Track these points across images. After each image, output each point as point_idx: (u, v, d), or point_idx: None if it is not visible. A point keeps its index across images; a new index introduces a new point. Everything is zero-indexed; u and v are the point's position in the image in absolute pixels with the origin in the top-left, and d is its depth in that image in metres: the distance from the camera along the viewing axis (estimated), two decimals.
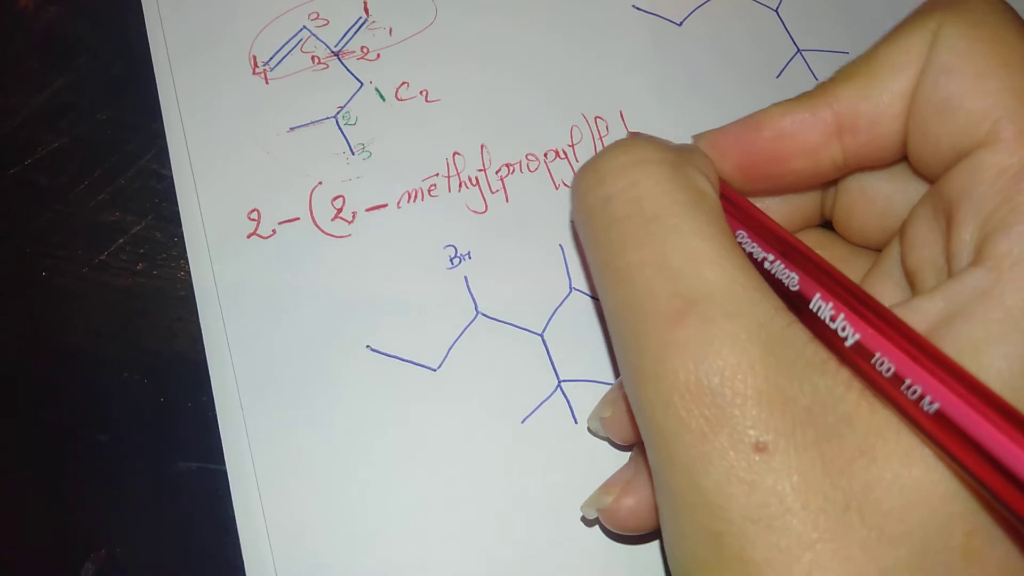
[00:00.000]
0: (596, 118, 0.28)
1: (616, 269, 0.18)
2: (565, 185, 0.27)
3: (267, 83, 0.27)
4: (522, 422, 0.24)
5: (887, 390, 0.15)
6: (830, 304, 0.17)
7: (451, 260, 0.26)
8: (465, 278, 0.26)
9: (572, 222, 0.25)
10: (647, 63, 0.29)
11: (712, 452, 0.16)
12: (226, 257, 0.25)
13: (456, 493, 0.24)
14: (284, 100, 0.27)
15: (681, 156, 0.19)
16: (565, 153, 0.28)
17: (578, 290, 0.26)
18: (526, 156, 0.27)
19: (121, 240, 0.26)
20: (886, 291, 0.20)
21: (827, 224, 0.23)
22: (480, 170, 0.27)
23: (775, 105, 0.20)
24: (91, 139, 0.27)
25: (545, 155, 0.28)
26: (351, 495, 0.23)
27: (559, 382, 0.25)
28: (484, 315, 0.25)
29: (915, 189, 0.20)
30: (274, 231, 0.25)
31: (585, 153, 0.28)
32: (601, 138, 0.28)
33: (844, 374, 0.16)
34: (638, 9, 0.30)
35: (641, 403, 0.17)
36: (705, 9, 0.30)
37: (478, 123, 0.28)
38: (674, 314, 0.17)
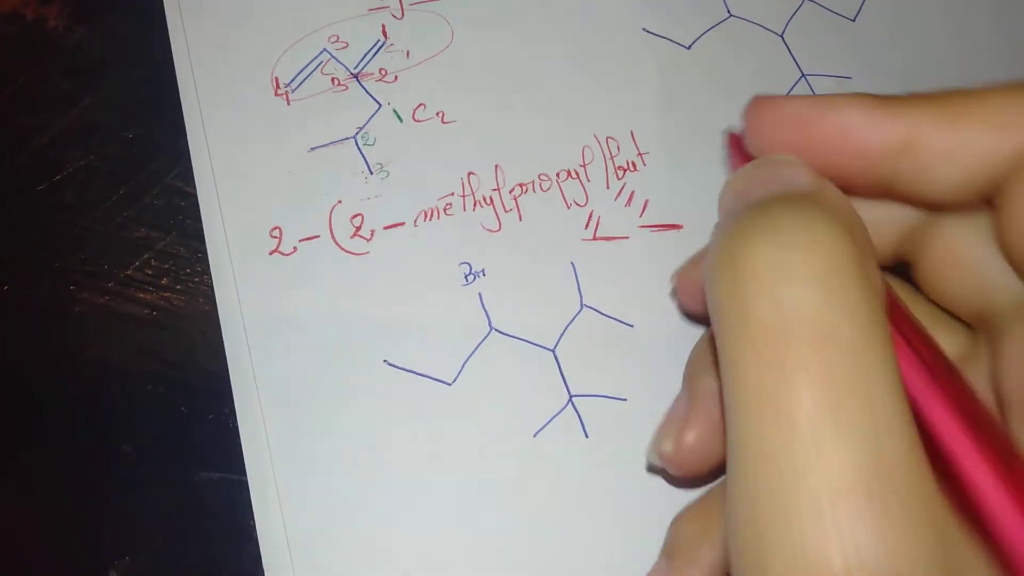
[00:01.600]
0: (607, 139, 0.29)
1: (776, 406, 0.14)
2: (577, 204, 0.28)
3: (289, 104, 0.28)
4: (534, 436, 0.25)
5: None
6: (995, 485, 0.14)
7: (466, 277, 0.27)
8: (479, 295, 0.26)
9: (705, 279, 0.17)
10: (657, 85, 0.30)
11: None
12: (248, 273, 0.26)
13: (470, 505, 0.24)
14: (305, 121, 0.28)
15: (862, 247, 0.15)
16: (577, 173, 0.28)
17: (589, 307, 0.27)
18: (539, 176, 0.28)
19: (146, 256, 0.27)
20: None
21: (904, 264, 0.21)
22: (494, 190, 0.28)
23: (853, 95, 0.18)
24: (118, 157, 0.27)
25: (557, 175, 0.28)
26: (368, 506, 0.24)
27: (570, 397, 0.26)
28: (498, 331, 0.26)
29: (1013, 270, 0.18)
30: (295, 248, 0.26)
31: (597, 173, 0.28)
32: (612, 158, 0.29)
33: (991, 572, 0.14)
34: (648, 32, 0.31)
35: (764, 572, 0.14)
36: (713, 33, 0.31)
37: (492, 144, 0.28)
38: (841, 489, 0.13)
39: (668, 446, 0.21)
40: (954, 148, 0.17)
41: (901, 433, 0.14)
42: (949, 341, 0.19)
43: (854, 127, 0.18)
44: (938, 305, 0.20)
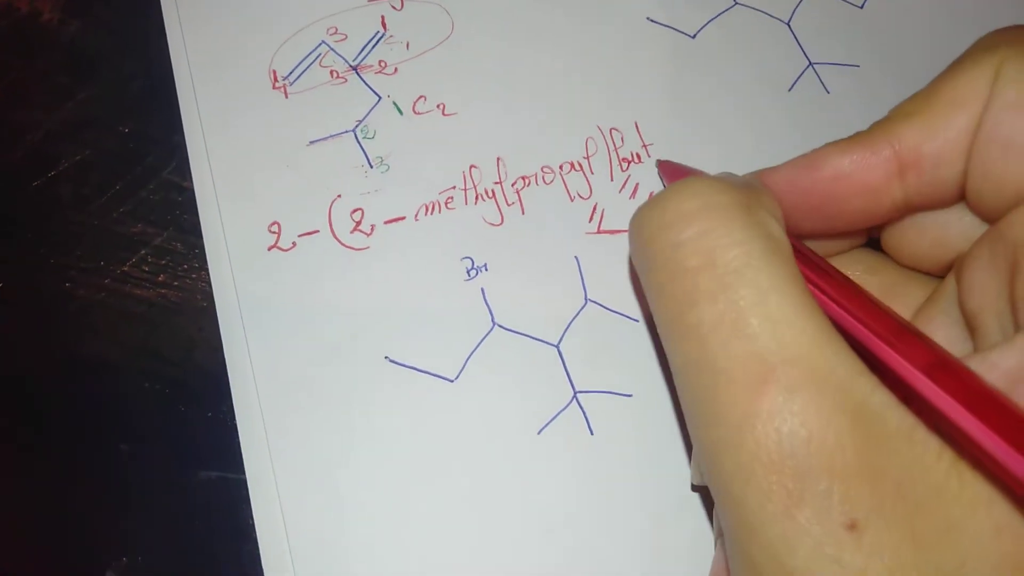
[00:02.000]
0: (611, 130, 0.28)
1: (686, 325, 0.17)
2: (580, 197, 0.27)
3: (287, 97, 0.27)
4: (538, 433, 0.25)
5: (976, 456, 0.15)
6: (912, 367, 0.16)
7: (468, 272, 0.26)
8: (482, 290, 0.26)
9: (631, 261, 0.23)
10: (661, 75, 0.29)
11: (798, 529, 0.15)
12: (247, 269, 0.25)
13: (473, 502, 0.24)
14: (304, 114, 0.27)
15: (751, 198, 0.18)
16: (580, 165, 0.28)
17: (593, 301, 0.26)
18: (541, 169, 0.28)
19: (143, 251, 0.26)
20: (942, 329, 0.19)
21: (874, 242, 0.23)
22: (496, 183, 0.27)
23: (832, 144, 0.20)
24: (113, 152, 0.27)
25: (560, 167, 0.28)
26: (369, 503, 0.23)
27: (575, 393, 0.25)
28: (501, 326, 0.26)
29: (970, 222, 0.20)
30: (294, 243, 0.26)
31: (600, 165, 0.28)
32: (616, 149, 0.28)
33: (933, 443, 0.15)
34: (652, 22, 0.30)
35: (717, 471, 0.16)
36: (718, 22, 0.30)
37: (494, 136, 0.28)
38: (754, 381, 0.16)
39: None
40: (941, 147, 0.18)
41: (805, 324, 0.16)
42: (918, 293, 0.21)
43: (846, 172, 0.19)
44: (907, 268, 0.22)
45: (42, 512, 0.24)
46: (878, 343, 0.16)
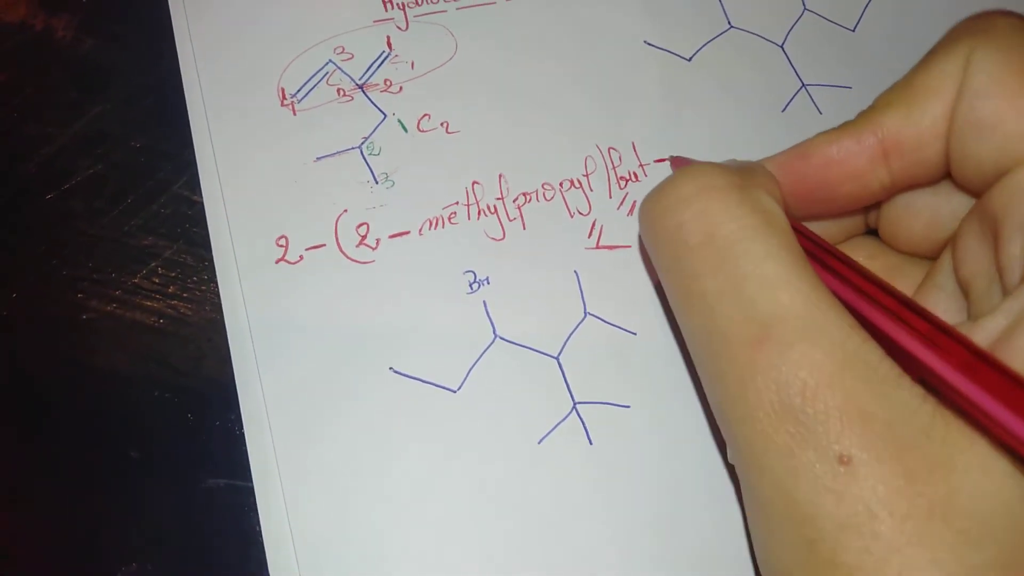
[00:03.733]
0: (609, 149, 0.29)
1: (693, 296, 0.19)
2: (580, 214, 0.28)
3: (295, 114, 0.28)
4: (539, 443, 0.25)
5: (960, 405, 0.16)
6: (901, 328, 0.17)
7: (470, 285, 0.27)
8: (484, 303, 0.27)
9: (640, 242, 0.27)
10: (658, 96, 0.30)
11: (800, 466, 0.17)
12: (255, 281, 0.26)
13: (475, 511, 0.24)
14: (311, 131, 0.28)
15: (747, 178, 0.20)
16: (579, 183, 0.29)
17: (592, 315, 0.27)
18: (542, 185, 0.28)
19: (153, 264, 0.27)
20: (941, 302, 0.21)
21: (872, 231, 0.24)
22: (498, 199, 0.28)
23: (820, 134, 0.21)
24: (125, 166, 0.28)
25: (560, 184, 0.29)
26: (374, 511, 0.24)
27: (574, 404, 0.26)
28: (502, 339, 0.26)
29: (959, 201, 0.21)
30: (301, 257, 0.26)
31: (599, 183, 0.29)
32: (614, 168, 0.29)
33: (918, 391, 0.17)
34: (649, 45, 0.31)
35: (728, 421, 0.18)
36: (714, 45, 0.31)
37: (496, 154, 0.29)
38: (752, 339, 0.17)
39: None
40: (920, 132, 0.20)
41: (798, 285, 0.18)
42: (916, 274, 0.23)
43: (834, 159, 0.21)
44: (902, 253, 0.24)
45: (53, 518, 0.24)
46: (873, 310, 0.18)
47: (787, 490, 0.17)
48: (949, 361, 0.16)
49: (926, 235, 0.22)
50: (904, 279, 0.23)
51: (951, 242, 0.21)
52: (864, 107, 0.31)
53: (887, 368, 0.17)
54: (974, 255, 0.19)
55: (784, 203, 0.21)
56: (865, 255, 0.24)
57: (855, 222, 0.24)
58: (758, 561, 0.19)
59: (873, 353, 0.17)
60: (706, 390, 0.20)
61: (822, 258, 0.20)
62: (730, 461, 0.19)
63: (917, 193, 0.22)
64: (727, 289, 0.18)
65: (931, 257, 0.23)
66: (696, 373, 0.26)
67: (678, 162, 0.26)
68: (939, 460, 0.16)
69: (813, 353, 0.17)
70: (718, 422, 0.19)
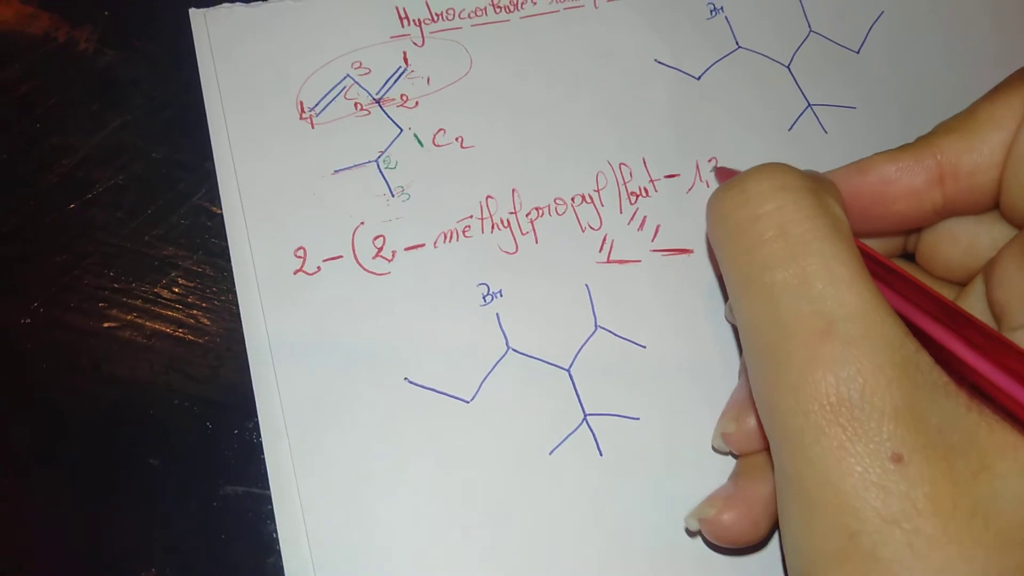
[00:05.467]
0: (621, 165, 0.30)
1: (760, 286, 0.20)
2: (591, 228, 0.29)
3: (313, 128, 0.29)
4: (550, 453, 0.26)
5: (1009, 408, 0.17)
6: (949, 334, 0.18)
7: (484, 298, 0.27)
8: (497, 315, 0.27)
9: (707, 237, 0.28)
10: (668, 114, 0.31)
11: (850, 460, 0.17)
12: (273, 292, 0.26)
13: (487, 520, 0.25)
14: (329, 144, 0.28)
15: (819, 184, 0.21)
16: (591, 198, 0.29)
17: (603, 328, 0.28)
18: (554, 200, 0.29)
19: (173, 274, 0.27)
20: None
21: (906, 255, 0.26)
22: (511, 213, 0.29)
23: (880, 153, 0.23)
24: (146, 177, 0.28)
25: (572, 199, 0.29)
26: (388, 519, 0.24)
27: (585, 415, 0.26)
28: (515, 350, 0.27)
29: (1000, 231, 0.22)
30: (319, 268, 0.27)
31: (610, 198, 0.29)
32: (625, 183, 0.30)
33: (963, 397, 0.18)
34: (660, 63, 0.32)
35: (778, 410, 0.19)
36: (722, 64, 0.32)
37: (510, 169, 0.29)
38: (817, 332, 0.18)
39: (709, 515, 0.23)
40: (978, 160, 0.21)
41: (861, 288, 0.18)
42: (949, 296, 0.23)
43: (893, 177, 0.22)
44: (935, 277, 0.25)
45: (73, 524, 0.24)
46: (921, 315, 0.19)
47: (834, 482, 0.17)
48: (998, 365, 0.17)
49: (962, 262, 0.23)
50: None
51: (987, 267, 0.22)
52: (868, 126, 0.32)
53: (937, 375, 0.18)
54: (1012, 277, 0.20)
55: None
56: None
57: (895, 243, 0.25)
58: (788, 550, 0.20)
59: (925, 360, 0.18)
60: (755, 379, 0.20)
61: (874, 267, 0.20)
62: (773, 455, 0.20)
63: (960, 220, 0.23)
64: (796, 283, 0.19)
65: (961, 283, 0.24)
66: (704, 386, 0.27)
67: (723, 173, 0.27)
68: (983, 464, 0.17)
69: (875, 353, 0.18)
70: (761, 411, 0.20)
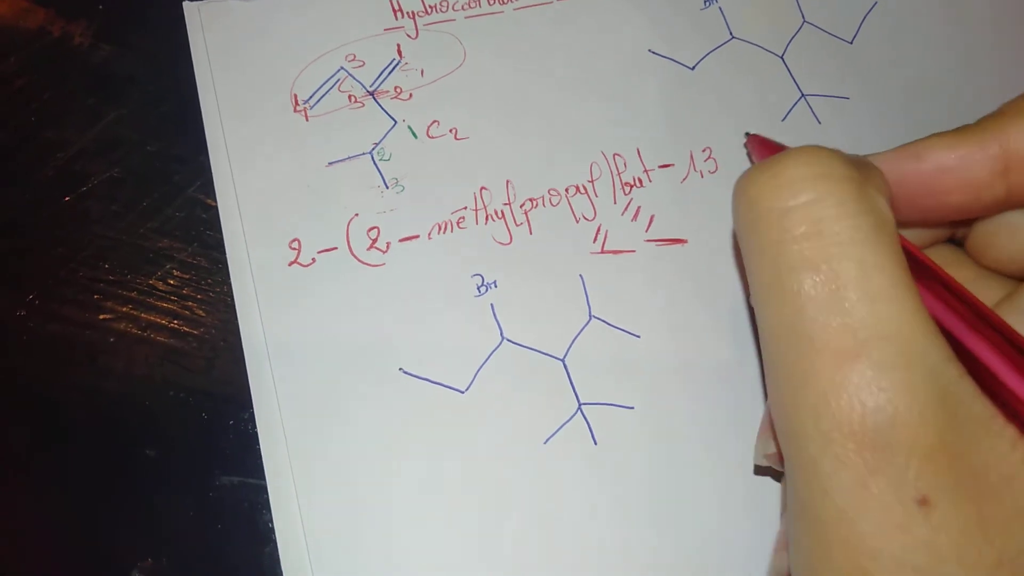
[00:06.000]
0: (615, 155, 0.30)
1: (785, 290, 0.17)
2: (585, 219, 0.29)
3: (307, 120, 0.29)
4: (545, 443, 0.26)
5: None
6: (999, 358, 0.16)
7: (478, 288, 0.27)
8: (491, 305, 0.27)
9: (733, 231, 0.24)
10: (662, 104, 0.31)
11: (870, 498, 0.16)
12: (268, 284, 0.26)
13: (482, 509, 0.25)
14: (323, 136, 0.28)
15: (864, 175, 0.18)
16: (585, 189, 0.29)
17: (597, 318, 0.28)
18: (548, 191, 0.29)
19: (168, 266, 0.27)
20: (1018, 325, 0.19)
21: (953, 240, 0.23)
22: (505, 204, 0.29)
23: (936, 136, 0.20)
24: (141, 170, 0.28)
25: (566, 190, 0.29)
26: (384, 509, 0.25)
27: (580, 405, 0.26)
28: (509, 340, 0.27)
29: None
30: (314, 259, 0.27)
31: (604, 188, 0.29)
32: (619, 174, 0.30)
33: (1010, 432, 0.16)
34: (654, 54, 0.32)
35: (795, 432, 0.17)
36: (716, 55, 0.32)
37: (504, 160, 0.29)
38: (846, 351, 0.16)
39: (771, 447, 0.22)
40: None
41: (903, 304, 0.16)
42: (995, 292, 0.21)
43: (951, 167, 0.19)
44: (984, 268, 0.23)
45: (71, 515, 0.25)
46: (970, 335, 0.17)
47: (850, 518, 0.16)
48: None
49: (1017, 256, 0.21)
50: (982, 296, 0.21)
51: None
52: (861, 117, 0.32)
53: (980, 407, 0.16)
54: None
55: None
56: (943, 260, 0.22)
57: (943, 231, 0.23)
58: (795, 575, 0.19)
59: (968, 389, 0.16)
60: (773, 391, 0.18)
61: (922, 275, 0.18)
62: (787, 475, 0.18)
63: (1020, 212, 0.21)
64: (826, 291, 0.17)
65: (1014, 276, 0.22)
66: (697, 376, 0.27)
67: (759, 144, 0.23)
68: (1017, 510, 0.15)
69: (911, 380, 0.16)
70: (778, 429, 0.18)
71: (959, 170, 0.19)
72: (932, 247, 0.24)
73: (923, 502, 0.15)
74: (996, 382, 0.16)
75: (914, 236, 0.24)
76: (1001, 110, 0.20)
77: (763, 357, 0.19)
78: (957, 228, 0.23)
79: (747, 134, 0.26)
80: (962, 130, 0.20)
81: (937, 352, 0.16)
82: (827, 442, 0.16)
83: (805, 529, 0.17)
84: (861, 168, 0.18)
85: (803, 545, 0.18)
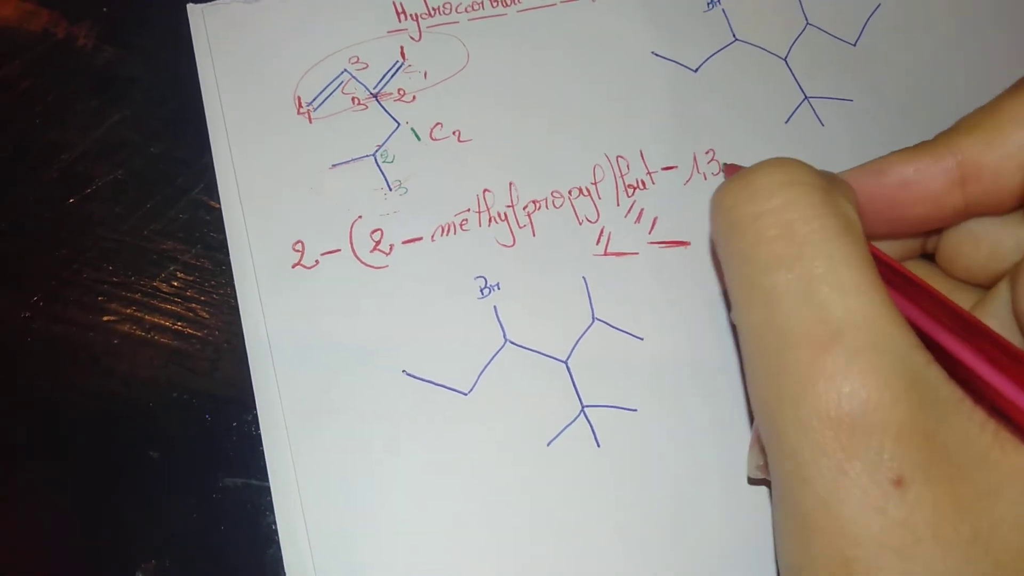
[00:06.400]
0: (618, 157, 0.30)
1: (761, 288, 0.18)
2: (588, 221, 0.29)
3: (311, 122, 0.29)
4: (548, 445, 0.26)
5: None
6: (966, 347, 0.17)
7: (481, 290, 0.27)
8: (494, 308, 0.27)
9: (711, 237, 0.26)
10: (665, 106, 0.31)
11: (848, 481, 0.16)
12: (271, 285, 0.27)
13: (485, 510, 0.25)
14: (327, 138, 0.28)
15: (831, 183, 0.19)
16: (588, 191, 0.29)
17: (600, 320, 0.28)
18: (551, 193, 0.29)
19: (172, 267, 0.27)
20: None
21: (927, 255, 0.24)
22: (508, 206, 0.29)
23: (896, 152, 0.21)
24: (144, 172, 0.28)
25: (569, 192, 0.29)
26: (387, 511, 0.25)
27: (583, 407, 0.26)
28: (512, 343, 0.27)
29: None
30: (317, 262, 0.27)
31: (607, 191, 0.29)
32: (622, 176, 0.30)
33: (979, 415, 0.17)
34: (657, 56, 0.32)
35: (775, 423, 0.18)
36: (719, 57, 0.32)
37: (507, 162, 0.29)
38: (820, 341, 0.17)
39: (763, 459, 0.22)
40: (1001, 160, 0.20)
41: (871, 295, 0.17)
42: (967, 302, 0.22)
43: (911, 179, 0.20)
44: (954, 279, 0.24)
45: (74, 516, 0.25)
46: (936, 326, 0.18)
47: (830, 505, 0.16)
48: (1018, 383, 0.16)
49: (985, 264, 0.22)
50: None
51: (1013, 274, 0.20)
52: (865, 119, 0.32)
53: (949, 390, 0.17)
54: None
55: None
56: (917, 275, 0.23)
57: (914, 244, 0.24)
58: (782, 566, 0.19)
59: (936, 375, 0.17)
60: (753, 388, 0.19)
61: (889, 274, 0.19)
62: (770, 468, 0.19)
63: (983, 221, 0.22)
64: (799, 287, 0.18)
65: (985, 286, 0.23)
66: (700, 378, 0.27)
67: (732, 170, 0.25)
68: (989, 487, 0.16)
69: (881, 365, 0.16)
70: (760, 423, 0.19)
71: (918, 183, 0.21)
72: (905, 263, 0.24)
73: (898, 483, 0.16)
74: (963, 369, 0.17)
75: (886, 248, 0.24)
76: (956, 125, 0.21)
77: (743, 359, 0.20)
78: (928, 239, 0.24)
79: (723, 164, 0.28)
80: (921, 145, 0.21)
81: (905, 339, 0.17)
82: (805, 430, 0.17)
83: (788, 520, 0.18)
84: (828, 176, 0.20)
85: (787, 534, 0.18)
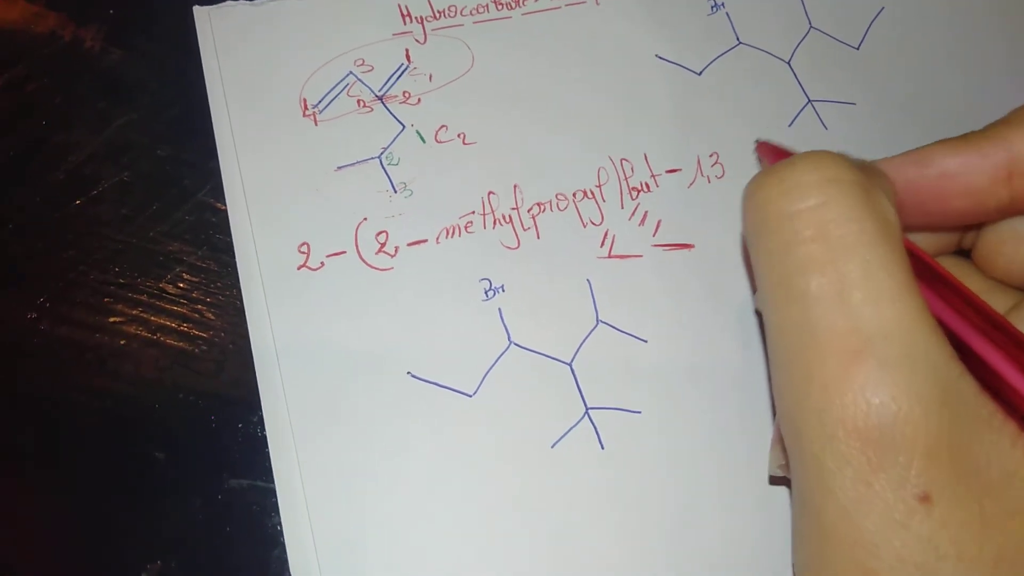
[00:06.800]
0: (622, 160, 0.30)
1: (792, 291, 0.18)
2: (592, 224, 0.29)
3: (316, 124, 0.29)
4: (552, 447, 0.26)
5: None
6: (1000, 354, 0.17)
7: (486, 293, 0.28)
8: (499, 310, 0.27)
9: (742, 233, 0.25)
10: (669, 109, 0.31)
11: (872, 494, 0.16)
12: (277, 287, 0.27)
13: (489, 512, 0.25)
14: (332, 141, 0.29)
15: (871, 179, 0.18)
16: (592, 193, 0.29)
17: (604, 322, 0.28)
18: (556, 196, 0.29)
19: (178, 269, 0.27)
20: None
21: (962, 251, 0.24)
22: (513, 208, 0.29)
23: (942, 142, 0.20)
24: (151, 174, 0.28)
25: (574, 195, 0.29)
26: (392, 512, 0.25)
27: (587, 409, 0.27)
28: (516, 345, 0.27)
29: None
30: (322, 263, 0.27)
31: (611, 193, 0.29)
32: (626, 178, 0.30)
33: (1010, 429, 0.16)
34: (661, 59, 0.32)
35: (800, 430, 0.17)
36: (723, 60, 0.32)
37: (511, 164, 0.29)
38: (851, 350, 0.16)
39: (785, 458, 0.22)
40: None
41: (907, 304, 0.16)
42: (1004, 304, 0.21)
43: (954, 172, 0.20)
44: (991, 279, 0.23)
45: (80, 517, 0.25)
46: (968, 328, 0.17)
47: (853, 516, 0.16)
48: None
49: (1022, 265, 0.21)
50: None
51: None
52: (868, 122, 0.32)
53: (981, 405, 0.16)
54: None
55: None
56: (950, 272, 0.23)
57: (950, 239, 0.23)
58: (798, 573, 0.19)
59: (969, 387, 0.16)
60: (779, 389, 0.18)
61: (921, 269, 0.18)
62: (791, 471, 0.18)
63: (1021, 223, 0.21)
64: (832, 292, 0.17)
65: (1022, 288, 0.22)
66: (705, 381, 0.27)
67: (766, 149, 0.24)
68: (1018, 507, 0.16)
69: (914, 378, 0.16)
70: (784, 429, 0.18)
71: (962, 176, 0.20)
72: (939, 258, 0.24)
73: (924, 499, 0.16)
74: (997, 379, 0.17)
75: (921, 242, 0.24)
76: (1007, 117, 0.20)
77: (769, 358, 0.19)
78: (965, 233, 0.23)
79: (757, 141, 0.26)
80: (967, 136, 0.20)
81: (939, 351, 0.16)
82: (830, 439, 0.16)
83: (808, 526, 0.17)
84: (867, 172, 0.19)
85: (806, 542, 0.18)
